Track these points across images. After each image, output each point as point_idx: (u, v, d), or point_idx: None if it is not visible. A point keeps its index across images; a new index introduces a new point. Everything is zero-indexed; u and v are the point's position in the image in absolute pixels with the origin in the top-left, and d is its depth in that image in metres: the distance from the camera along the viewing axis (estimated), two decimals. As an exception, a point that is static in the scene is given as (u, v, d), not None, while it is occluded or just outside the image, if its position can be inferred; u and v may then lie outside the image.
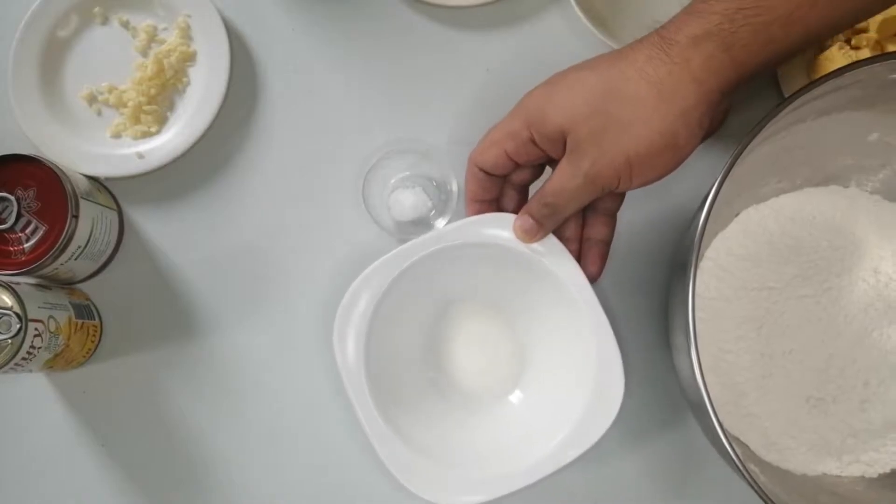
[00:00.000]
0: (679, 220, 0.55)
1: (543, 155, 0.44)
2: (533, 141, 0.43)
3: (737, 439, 0.50)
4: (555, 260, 0.50)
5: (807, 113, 0.46)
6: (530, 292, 0.52)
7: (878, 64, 0.42)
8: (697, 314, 0.50)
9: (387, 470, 0.49)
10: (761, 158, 0.47)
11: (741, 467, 0.40)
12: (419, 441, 0.50)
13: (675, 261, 0.46)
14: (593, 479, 0.53)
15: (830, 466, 0.49)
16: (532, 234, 0.46)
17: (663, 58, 0.38)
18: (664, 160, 0.40)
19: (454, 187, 0.46)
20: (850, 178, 0.53)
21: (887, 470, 0.50)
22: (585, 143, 0.40)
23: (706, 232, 0.51)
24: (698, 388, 0.40)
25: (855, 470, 0.50)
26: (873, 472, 0.50)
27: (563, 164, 0.42)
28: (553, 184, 0.43)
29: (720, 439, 0.40)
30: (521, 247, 0.50)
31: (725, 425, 0.49)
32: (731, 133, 0.54)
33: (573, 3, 0.54)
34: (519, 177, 0.47)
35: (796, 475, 0.49)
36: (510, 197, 0.48)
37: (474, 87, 0.57)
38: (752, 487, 0.40)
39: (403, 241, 0.48)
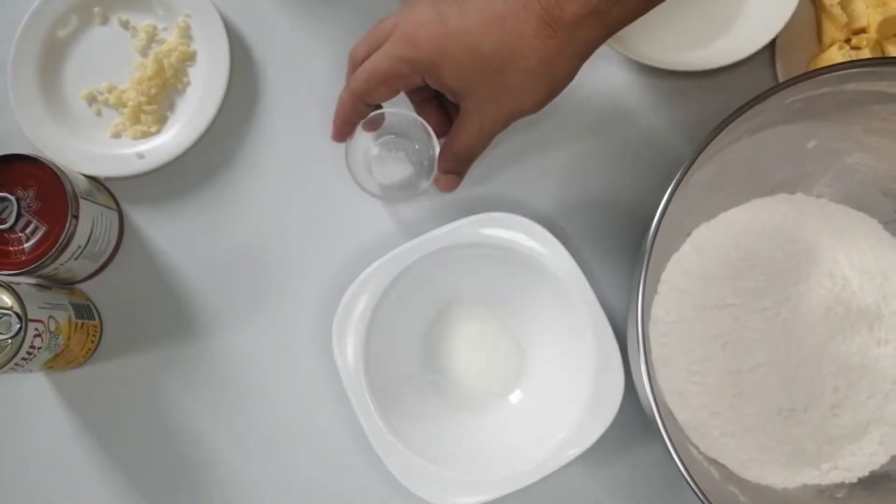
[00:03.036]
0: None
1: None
2: (423, 81, 0.47)
3: (714, 461, 0.49)
4: (553, 259, 0.50)
5: (742, 131, 0.46)
6: (529, 292, 0.52)
7: (806, 82, 0.43)
8: (660, 339, 0.50)
9: (387, 471, 0.49)
10: (705, 177, 0.47)
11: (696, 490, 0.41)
12: (419, 441, 0.50)
13: (631, 287, 0.45)
14: (594, 477, 0.53)
15: (810, 476, 0.49)
16: (454, 185, 0.52)
17: (552, 35, 0.43)
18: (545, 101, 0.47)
19: (435, 151, 0.49)
20: (797, 186, 0.53)
21: (866, 473, 0.49)
22: (485, 104, 0.46)
23: (661, 254, 0.50)
24: (656, 422, 0.41)
25: (835, 477, 0.49)
26: (853, 476, 0.49)
27: (466, 122, 0.47)
28: (461, 139, 0.48)
29: (682, 473, 0.41)
30: (520, 246, 0.50)
31: (701, 448, 0.49)
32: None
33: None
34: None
35: (777, 490, 0.49)
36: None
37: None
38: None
39: (389, 202, 0.55)
